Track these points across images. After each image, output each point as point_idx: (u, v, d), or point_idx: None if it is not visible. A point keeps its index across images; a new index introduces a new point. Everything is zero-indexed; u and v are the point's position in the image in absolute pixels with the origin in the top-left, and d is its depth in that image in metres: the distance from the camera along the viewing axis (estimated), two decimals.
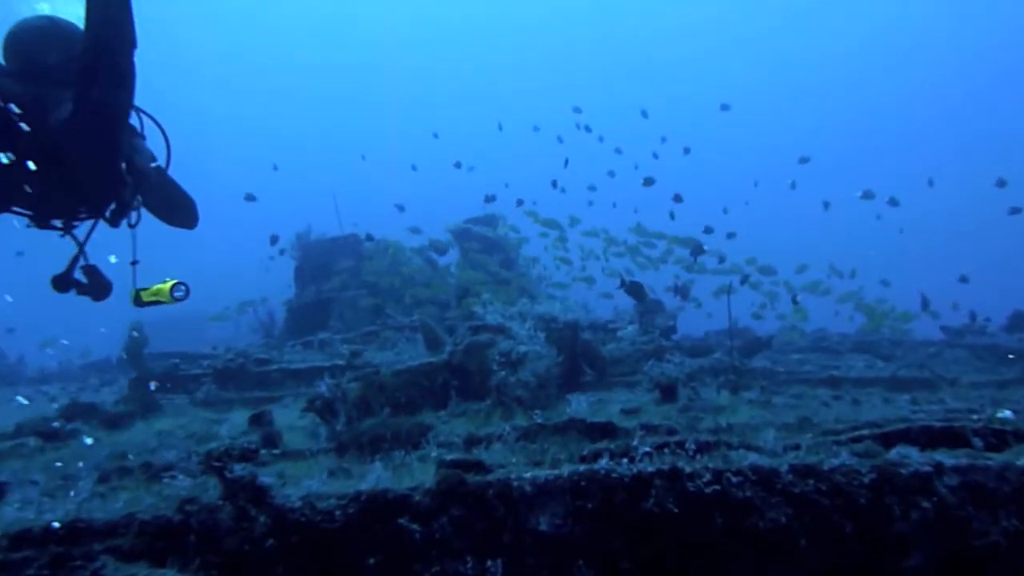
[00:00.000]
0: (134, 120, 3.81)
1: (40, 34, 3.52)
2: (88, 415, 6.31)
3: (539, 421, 4.80)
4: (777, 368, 9.59)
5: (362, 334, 10.65)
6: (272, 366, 8.23)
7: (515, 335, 6.46)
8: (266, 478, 2.74)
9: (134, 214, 3.89)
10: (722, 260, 11.85)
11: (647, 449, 3.19)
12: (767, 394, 6.37)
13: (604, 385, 8.27)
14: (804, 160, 14.29)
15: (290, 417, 6.38)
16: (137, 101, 4.01)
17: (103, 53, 3.03)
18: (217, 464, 2.61)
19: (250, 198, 14.97)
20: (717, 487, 3.03)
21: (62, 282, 3.90)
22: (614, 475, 3.03)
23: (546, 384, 5.74)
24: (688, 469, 3.10)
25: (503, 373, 5.52)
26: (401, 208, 14.22)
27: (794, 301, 12.74)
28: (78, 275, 3.93)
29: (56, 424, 5.73)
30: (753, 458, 3.21)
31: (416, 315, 11.41)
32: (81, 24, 3.04)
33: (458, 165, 15.96)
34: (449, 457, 3.33)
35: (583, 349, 7.65)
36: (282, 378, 8.16)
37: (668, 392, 6.43)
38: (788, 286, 13.19)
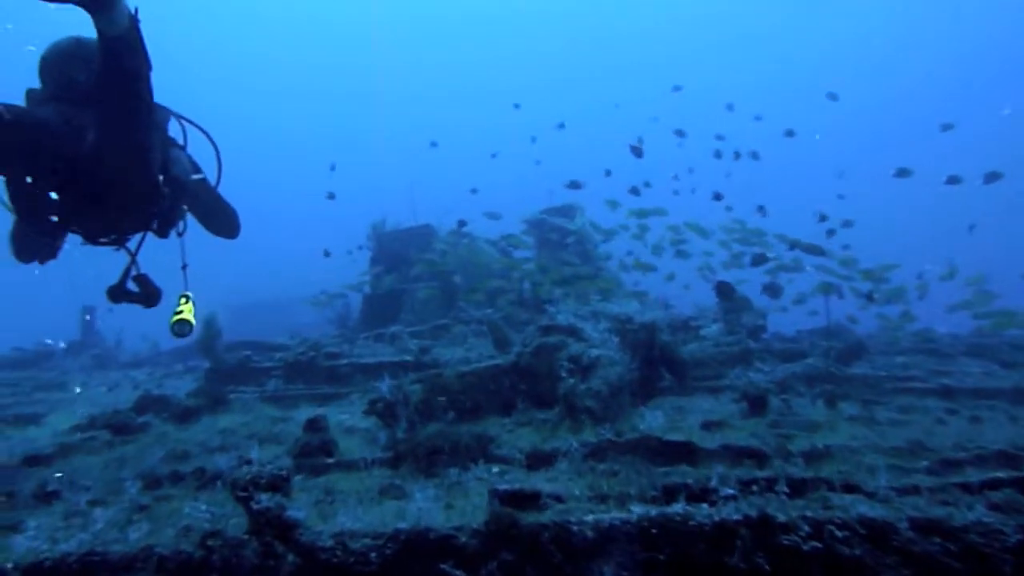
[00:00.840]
0: (176, 132, 3.77)
1: (68, 55, 3.48)
2: (160, 407, 6.35)
3: (609, 437, 4.38)
4: (879, 374, 8.73)
5: (432, 328, 10.47)
6: (342, 360, 8.12)
7: (587, 337, 6.04)
8: (296, 512, 2.45)
9: (181, 223, 3.98)
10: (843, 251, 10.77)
11: (731, 491, 2.71)
12: (869, 408, 5.67)
13: (685, 390, 7.72)
14: (947, 127, 12.86)
15: (354, 415, 6.22)
16: (186, 112, 3.99)
17: (120, 78, 2.90)
18: (243, 494, 2.34)
19: (330, 196, 15.06)
20: (818, 543, 2.53)
21: (116, 293, 3.92)
22: (692, 522, 2.59)
23: (618, 393, 5.29)
24: (781, 518, 2.62)
25: (572, 381, 5.10)
26: (474, 191, 13.88)
27: (869, 298, 11.58)
28: (130, 285, 3.94)
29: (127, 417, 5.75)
30: (862, 508, 2.68)
31: (488, 310, 11.15)
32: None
33: (538, 158, 15.51)
34: (503, 487, 2.97)
35: (661, 352, 7.12)
36: (351, 373, 8.04)
37: (756, 404, 5.85)
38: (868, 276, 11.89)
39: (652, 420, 4.83)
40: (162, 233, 3.90)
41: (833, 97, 16.11)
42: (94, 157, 3.10)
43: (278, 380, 7.59)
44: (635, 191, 11.02)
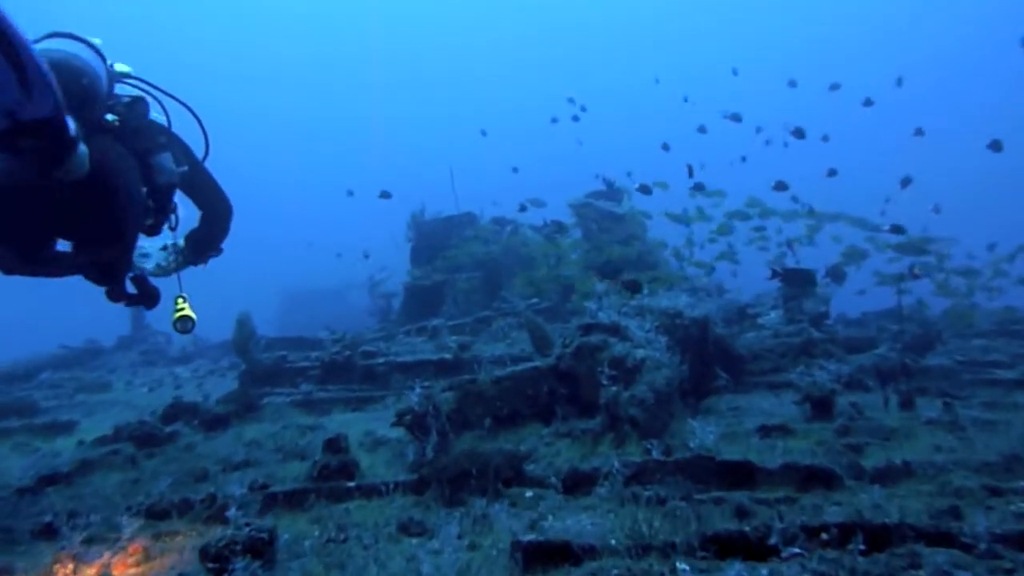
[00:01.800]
0: (160, 117, 3.53)
1: (68, 65, 3.23)
2: (189, 414, 6.19)
3: (655, 457, 3.93)
4: (958, 365, 7.97)
5: (474, 320, 10.13)
6: (378, 360, 7.85)
7: (631, 336, 5.57)
8: None
9: (173, 216, 3.95)
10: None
11: (796, 551, 2.25)
12: (951, 409, 5.04)
13: (742, 386, 7.17)
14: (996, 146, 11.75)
15: (385, 423, 5.92)
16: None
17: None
18: (213, 566, 2.00)
19: (385, 195, 14.65)
20: None
21: (114, 294, 3.82)
22: None
23: (666, 401, 4.82)
24: None
25: (614, 389, 4.65)
26: (515, 170, 13.29)
27: (913, 275, 10.47)
28: (128, 286, 3.86)
29: (154, 426, 5.58)
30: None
31: (534, 299, 10.73)
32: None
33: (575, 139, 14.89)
34: (528, 538, 2.56)
35: (716, 347, 6.59)
36: (388, 372, 7.77)
37: (821, 407, 5.29)
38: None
39: (704, 434, 4.32)
40: (152, 233, 3.88)
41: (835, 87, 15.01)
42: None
43: (313, 382, 7.36)
44: (690, 172, 10.34)
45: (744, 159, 15.21)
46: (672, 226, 10.81)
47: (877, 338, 10.84)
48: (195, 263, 4.35)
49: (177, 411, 6.17)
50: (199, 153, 4.09)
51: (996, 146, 9.80)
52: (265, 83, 69.24)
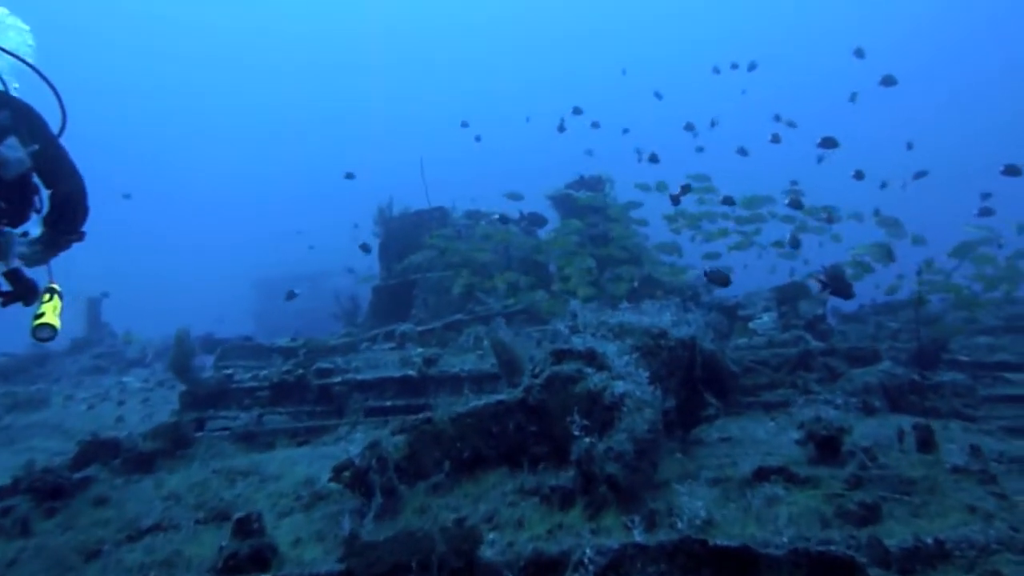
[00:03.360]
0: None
1: None
2: (108, 454, 5.42)
3: (637, 539, 3.23)
4: (969, 379, 7.33)
5: (445, 326, 9.38)
6: (335, 378, 7.10)
7: (609, 364, 4.84)
8: None
9: (36, 198, 3.70)
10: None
11: None
12: (979, 456, 4.37)
13: (735, 406, 6.50)
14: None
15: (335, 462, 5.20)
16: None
17: None
18: None
19: (349, 176, 13.87)
20: None
21: None
22: None
23: (648, 450, 4.10)
24: None
25: (587, 441, 3.94)
26: (478, 139, 12.29)
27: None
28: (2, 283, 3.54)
29: (61, 474, 4.82)
30: None
31: (510, 300, 10.00)
32: None
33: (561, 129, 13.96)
34: None
35: (705, 367, 5.88)
36: (346, 392, 7.03)
37: (827, 448, 4.61)
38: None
39: (693, 504, 3.63)
40: (15, 224, 3.59)
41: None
42: None
43: (252, 415, 6.60)
44: (654, 159, 9.60)
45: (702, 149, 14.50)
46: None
47: (877, 336, 10.23)
48: (54, 250, 3.85)
49: (92, 452, 5.40)
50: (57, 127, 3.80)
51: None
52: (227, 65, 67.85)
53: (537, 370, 5.09)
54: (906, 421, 5.80)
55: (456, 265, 10.07)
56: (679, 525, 3.42)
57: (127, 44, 65.68)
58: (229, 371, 7.28)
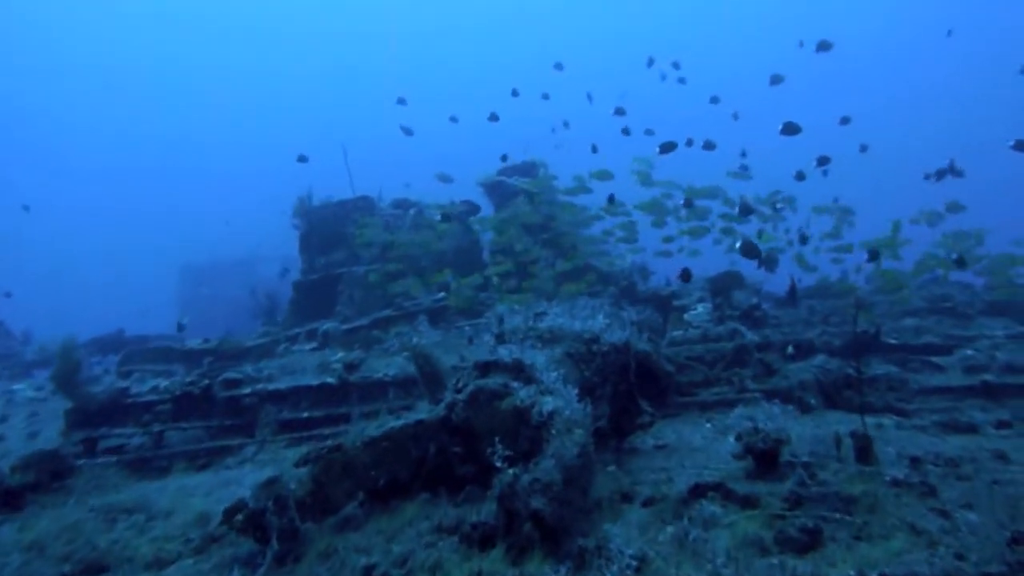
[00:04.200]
0: None
1: None
2: None
3: None
4: (903, 363, 7.32)
5: (372, 322, 8.85)
6: (244, 389, 6.52)
7: (538, 377, 4.47)
8: None
9: None
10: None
11: None
12: (919, 468, 4.21)
13: (670, 407, 6.25)
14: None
15: (235, 493, 4.67)
16: None
17: None
18: None
19: (302, 159, 12.79)
20: None
21: None
22: None
23: (579, 477, 3.76)
24: None
25: (512, 472, 3.55)
26: (409, 132, 11.55)
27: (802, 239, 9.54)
28: None
29: None
30: None
31: (440, 294, 9.53)
32: None
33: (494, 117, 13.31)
34: None
35: (639, 369, 5.60)
36: (257, 403, 6.46)
37: (765, 462, 4.38)
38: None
39: (624, 534, 3.31)
40: None
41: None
42: None
43: (147, 438, 5.96)
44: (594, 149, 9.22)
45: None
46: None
47: (809, 320, 10.22)
48: None
49: None
50: None
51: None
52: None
53: (460, 384, 4.68)
54: (842, 422, 5.69)
55: (395, 259, 9.51)
56: (612, 570, 3.07)
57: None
58: (124, 385, 6.59)
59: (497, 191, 11.19)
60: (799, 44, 12.93)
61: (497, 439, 4.24)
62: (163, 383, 6.58)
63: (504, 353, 4.67)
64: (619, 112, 10.13)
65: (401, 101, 17.58)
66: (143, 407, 6.42)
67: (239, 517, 3.63)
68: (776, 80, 10.72)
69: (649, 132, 13.12)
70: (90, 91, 63.69)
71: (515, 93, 13.16)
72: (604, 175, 9.14)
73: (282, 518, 3.67)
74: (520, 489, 3.55)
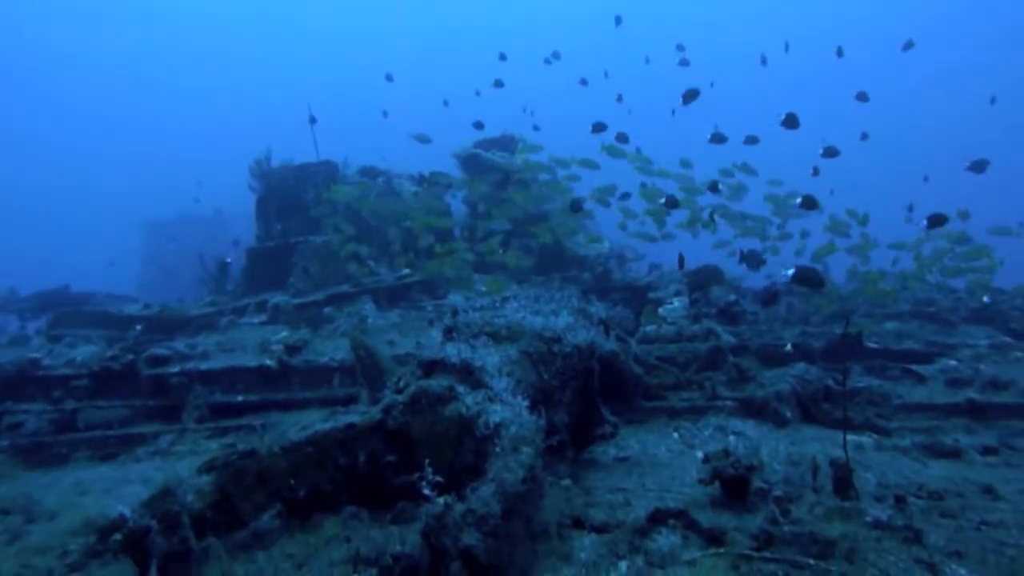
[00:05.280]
0: None
1: None
2: None
3: None
4: (882, 370, 6.92)
5: (327, 297, 8.27)
6: (171, 368, 5.93)
7: (487, 381, 3.96)
8: None
9: None
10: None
11: None
12: (904, 509, 3.78)
13: (636, 413, 5.78)
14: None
15: (148, 484, 4.12)
16: None
17: None
18: None
19: (312, 120, 11.84)
20: None
21: None
22: None
23: (522, 507, 3.25)
24: None
25: (441, 501, 3.03)
26: (385, 114, 10.85)
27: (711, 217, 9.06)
28: None
29: None
30: None
31: (405, 270, 8.96)
32: None
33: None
34: None
35: (605, 373, 5.10)
36: (186, 384, 5.88)
37: (735, 490, 3.92)
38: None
39: (575, 557, 2.83)
40: None
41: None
42: None
43: (41, 421, 5.36)
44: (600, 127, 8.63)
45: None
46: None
47: (788, 319, 9.81)
48: None
49: None
50: None
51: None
52: None
53: (402, 384, 4.15)
54: (819, 439, 5.27)
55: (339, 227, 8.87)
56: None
57: None
58: (35, 355, 5.95)
59: (472, 164, 10.56)
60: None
61: (432, 454, 3.76)
62: (78, 357, 5.94)
63: (452, 352, 4.13)
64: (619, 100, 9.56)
65: (389, 78, 16.46)
66: (56, 381, 5.81)
67: (115, 539, 3.08)
68: (763, 62, 10.27)
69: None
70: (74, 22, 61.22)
71: (498, 84, 12.44)
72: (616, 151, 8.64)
73: (170, 539, 3.12)
74: (450, 522, 3.03)
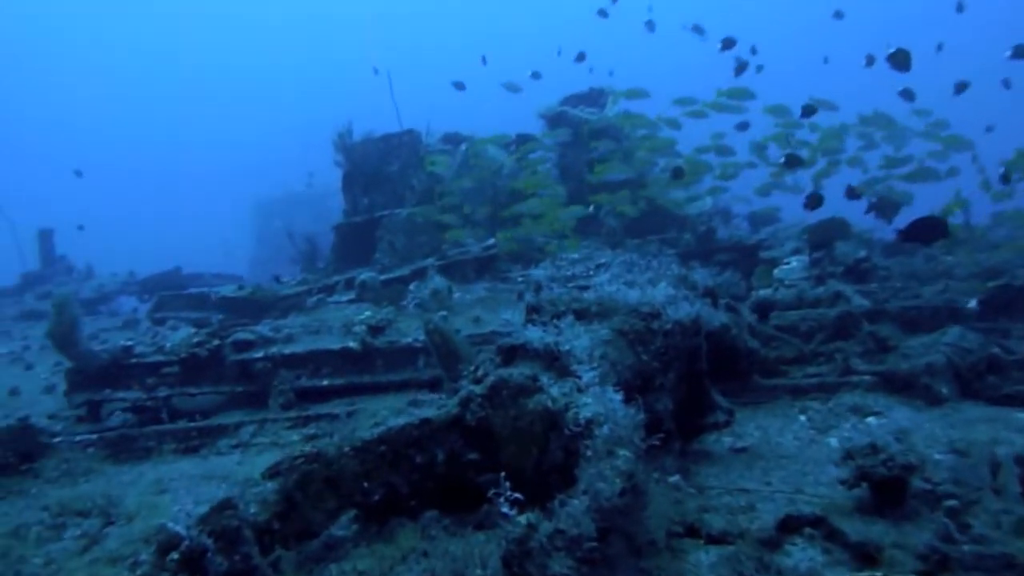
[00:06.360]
0: None
1: None
2: None
3: None
4: None
5: (413, 271, 7.96)
6: (256, 353, 5.78)
7: (574, 368, 3.41)
8: None
9: None
10: None
11: None
12: None
13: (753, 393, 5.07)
14: None
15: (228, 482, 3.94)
16: None
17: None
18: None
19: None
20: None
21: None
22: None
23: (620, 523, 2.72)
24: None
25: (523, 521, 2.54)
26: (461, 87, 10.33)
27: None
28: None
29: None
30: None
31: (490, 240, 8.49)
32: None
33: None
34: None
35: (714, 352, 4.43)
36: (271, 369, 5.72)
37: (887, 492, 3.20)
38: None
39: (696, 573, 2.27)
40: None
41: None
42: None
43: (171, 386, 5.31)
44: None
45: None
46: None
47: (927, 273, 8.62)
48: None
49: None
50: None
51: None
52: None
53: (480, 373, 3.68)
54: (987, 419, 4.38)
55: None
56: None
57: None
58: (128, 343, 5.95)
59: (560, 123, 9.88)
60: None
61: (517, 452, 3.30)
62: (168, 344, 5.89)
63: (534, 335, 3.61)
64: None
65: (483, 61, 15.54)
66: (148, 368, 5.79)
67: (174, 556, 2.80)
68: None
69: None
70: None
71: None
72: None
73: (231, 557, 2.82)
74: (535, 548, 2.55)
